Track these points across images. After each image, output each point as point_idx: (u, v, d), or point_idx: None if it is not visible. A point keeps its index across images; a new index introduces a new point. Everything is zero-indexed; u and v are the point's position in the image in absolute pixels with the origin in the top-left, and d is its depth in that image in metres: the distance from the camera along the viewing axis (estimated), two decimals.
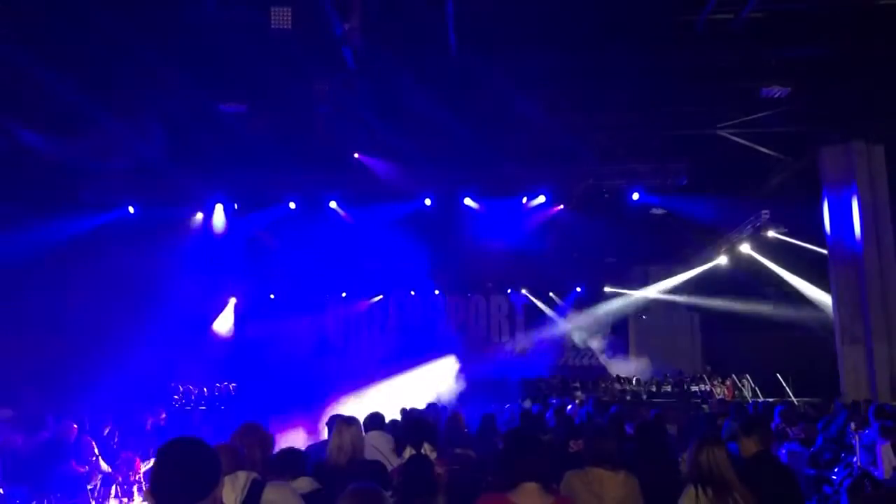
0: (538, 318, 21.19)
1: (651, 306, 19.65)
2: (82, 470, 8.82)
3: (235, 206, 15.11)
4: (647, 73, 10.18)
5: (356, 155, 12.96)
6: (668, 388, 16.64)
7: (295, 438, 9.59)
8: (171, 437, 2.31)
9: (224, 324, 19.07)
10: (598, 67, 10.01)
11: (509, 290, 21.37)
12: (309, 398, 14.41)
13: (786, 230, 14.19)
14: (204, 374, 16.45)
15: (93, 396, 12.24)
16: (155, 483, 2.16)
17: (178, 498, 2.14)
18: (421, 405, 9.69)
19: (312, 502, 3.65)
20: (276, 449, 4.23)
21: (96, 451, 9.12)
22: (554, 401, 12.43)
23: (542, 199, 14.57)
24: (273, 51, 9.08)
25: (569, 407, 10.76)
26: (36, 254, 12.94)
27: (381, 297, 21.08)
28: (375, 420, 6.00)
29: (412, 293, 21.00)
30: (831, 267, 12.74)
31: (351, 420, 4.72)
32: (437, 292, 20.91)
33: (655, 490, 4.33)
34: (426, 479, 3.83)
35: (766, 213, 14.26)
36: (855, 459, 7.13)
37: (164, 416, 12.12)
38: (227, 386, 16.13)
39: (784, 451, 7.90)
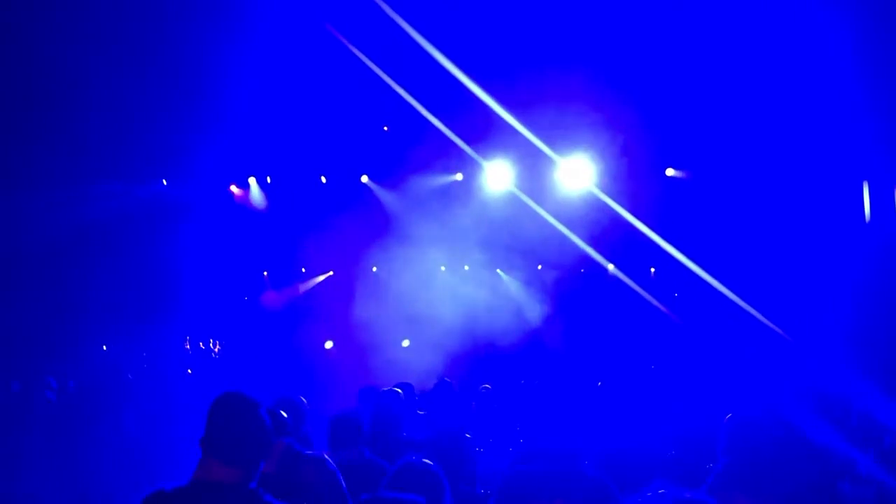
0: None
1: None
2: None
3: (268, 180, 15.19)
4: None
5: (385, 128, 12.93)
6: None
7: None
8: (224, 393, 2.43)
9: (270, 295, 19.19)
10: None
11: (539, 266, 21.19)
12: (341, 370, 14.50)
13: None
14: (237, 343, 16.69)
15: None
16: (207, 436, 2.29)
17: (228, 453, 2.22)
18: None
19: (360, 475, 3.66)
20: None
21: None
22: None
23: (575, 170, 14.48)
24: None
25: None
26: (71, 226, 13.15)
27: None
28: (405, 391, 5.98)
29: (442, 269, 20.93)
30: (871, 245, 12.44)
31: (387, 392, 4.72)
32: (466, 268, 20.82)
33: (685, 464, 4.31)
34: (456, 450, 3.83)
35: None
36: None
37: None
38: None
39: (819, 431, 7.79)
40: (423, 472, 2.68)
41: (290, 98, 11.79)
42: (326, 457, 3.47)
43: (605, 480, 3.51)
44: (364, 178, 14.96)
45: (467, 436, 4.37)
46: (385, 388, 4.87)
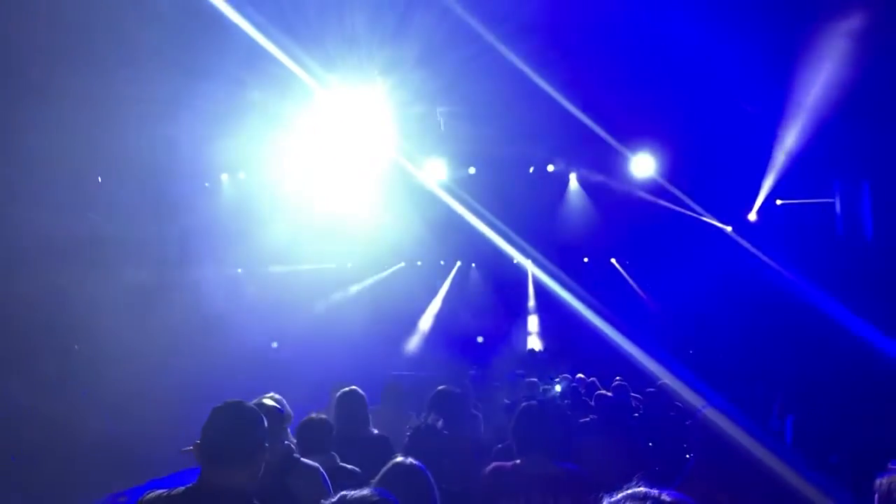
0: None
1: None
2: None
3: (241, 176, 15.02)
4: None
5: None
6: None
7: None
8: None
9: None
10: None
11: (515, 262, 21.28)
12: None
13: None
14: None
15: None
16: (204, 440, 2.36)
17: (221, 458, 2.25)
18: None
19: (333, 482, 3.61)
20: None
21: None
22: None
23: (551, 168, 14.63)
24: None
25: (579, 375, 10.83)
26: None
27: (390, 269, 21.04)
28: (393, 390, 5.95)
29: (419, 263, 20.96)
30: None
31: (352, 391, 4.68)
32: (441, 263, 20.89)
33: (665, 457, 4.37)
34: (430, 447, 3.83)
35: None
36: None
37: None
38: None
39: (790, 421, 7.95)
40: (411, 473, 2.72)
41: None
42: (320, 469, 3.43)
43: (584, 474, 3.55)
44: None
45: (444, 432, 4.39)
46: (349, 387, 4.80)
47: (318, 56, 9.89)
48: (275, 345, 16.22)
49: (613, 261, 18.98)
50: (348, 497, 2.02)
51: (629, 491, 1.56)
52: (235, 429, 2.36)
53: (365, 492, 2.03)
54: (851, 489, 4.10)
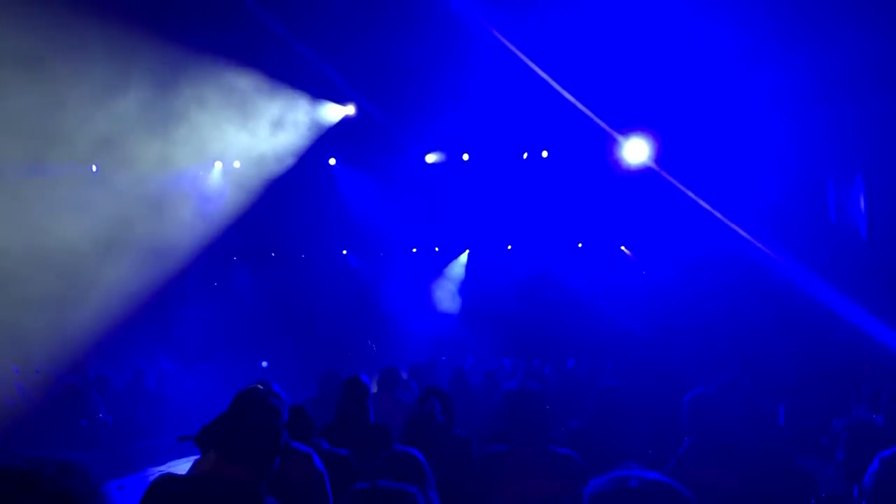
0: None
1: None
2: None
3: (236, 164, 14.93)
4: None
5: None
6: None
7: None
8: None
9: None
10: None
11: (509, 247, 21.23)
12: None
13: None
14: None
15: None
16: (224, 429, 2.35)
17: (236, 451, 2.28)
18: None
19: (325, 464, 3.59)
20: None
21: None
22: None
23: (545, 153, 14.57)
24: None
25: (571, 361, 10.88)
26: None
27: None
28: (389, 376, 5.96)
29: (414, 250, 20.89)
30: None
31: (355, 378, 4.68)
32: (436, 249, 20.81)
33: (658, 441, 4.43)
34: (429, 436, 3.85)
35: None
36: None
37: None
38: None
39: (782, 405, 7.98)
40: (408, 460, 2.75)
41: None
42: (314, 453, 3.43)
43: (576, 458, 3.58)
44: (331, 161, 14.87)
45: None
46: (349, 374, 4.79)
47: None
48: (265, 364, 16.04)
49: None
50: (381, 486, 2.03)
51: (614, 473, 1.58)
52: (256, 421, 2.33)
53: (399, 486, 2.05)
54: (842, 472, 4.13)
